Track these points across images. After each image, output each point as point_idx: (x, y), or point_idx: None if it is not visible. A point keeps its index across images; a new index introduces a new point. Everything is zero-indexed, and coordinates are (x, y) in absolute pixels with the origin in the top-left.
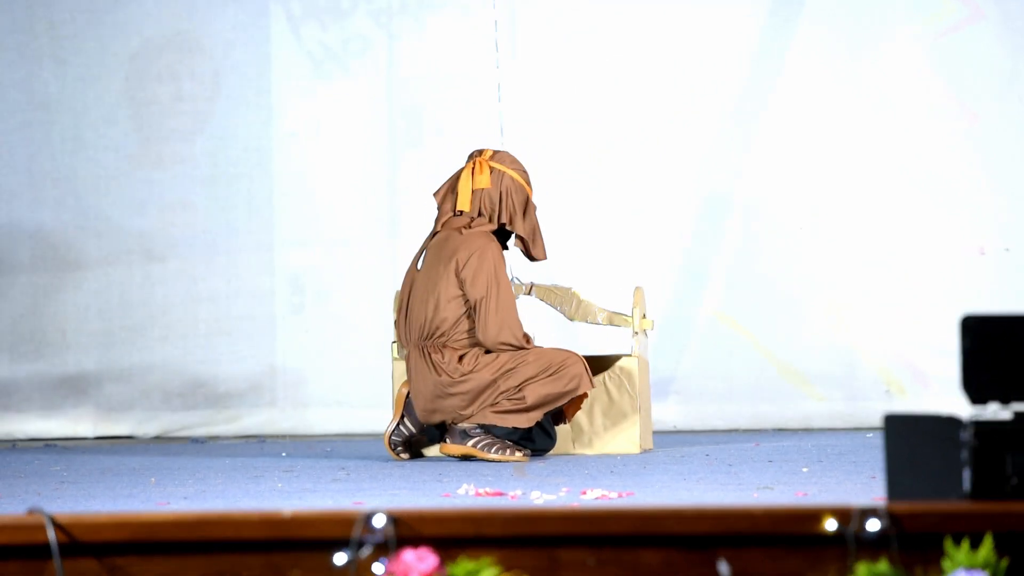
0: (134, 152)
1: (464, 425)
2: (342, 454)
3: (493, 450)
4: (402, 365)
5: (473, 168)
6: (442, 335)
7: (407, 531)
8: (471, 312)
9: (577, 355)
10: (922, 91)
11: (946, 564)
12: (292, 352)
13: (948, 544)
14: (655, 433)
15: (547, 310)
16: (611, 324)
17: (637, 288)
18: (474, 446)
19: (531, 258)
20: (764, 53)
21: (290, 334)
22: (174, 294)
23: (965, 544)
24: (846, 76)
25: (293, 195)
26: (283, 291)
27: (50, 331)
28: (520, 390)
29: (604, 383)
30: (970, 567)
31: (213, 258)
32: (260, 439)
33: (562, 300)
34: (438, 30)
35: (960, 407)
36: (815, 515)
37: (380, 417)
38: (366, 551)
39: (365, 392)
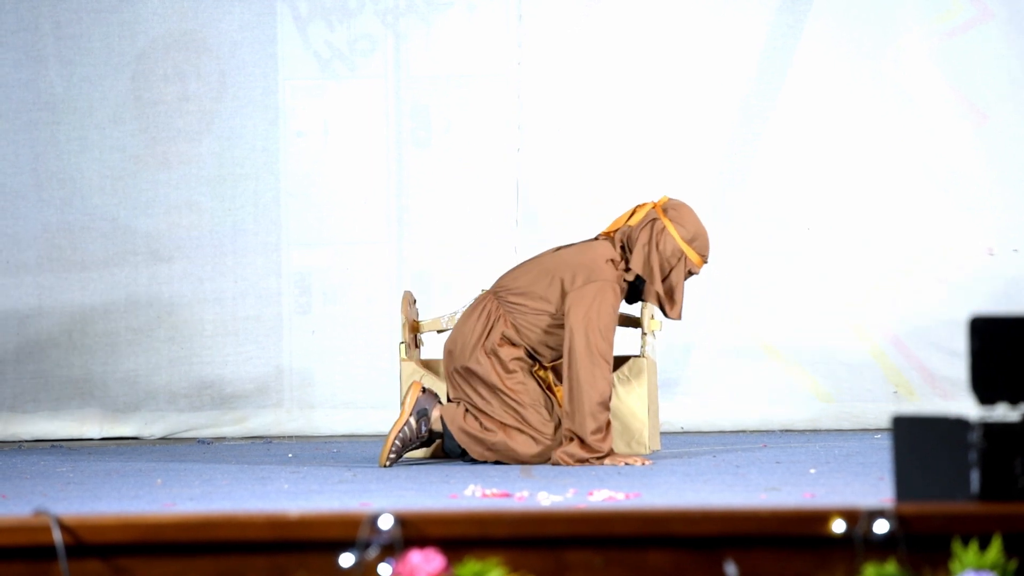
0: (140, 152)
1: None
2: (349, 455)
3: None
4: (410, 366)
5: (642, 208)
6: (513, 307)
7: (414, 532)
8: (549, 330)
9: (547, 442)
10: (931, 91)
11: (954, 566)
12: (299, 353)
13: (956, 545)
14: (662, 434)
15: None
16: (620, 325)
17: None
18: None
19: (665, 314)
20: (772, 53)
21: (297, 335)
22: (180, 295)
23: (973, 545)
24: (854, 76)
25: (300, 195)
26: (290, 292)
27: (56, 332)
28: (493, 426)
29: (613, 384)
30: (978, 568)
31: (220, 259)
32: (266, 440)
33: None
34: (445, 29)
35: (968, 408)
36: (823, 516)
37: (387, 418)
38: (373, 552)
39: (372, 393)
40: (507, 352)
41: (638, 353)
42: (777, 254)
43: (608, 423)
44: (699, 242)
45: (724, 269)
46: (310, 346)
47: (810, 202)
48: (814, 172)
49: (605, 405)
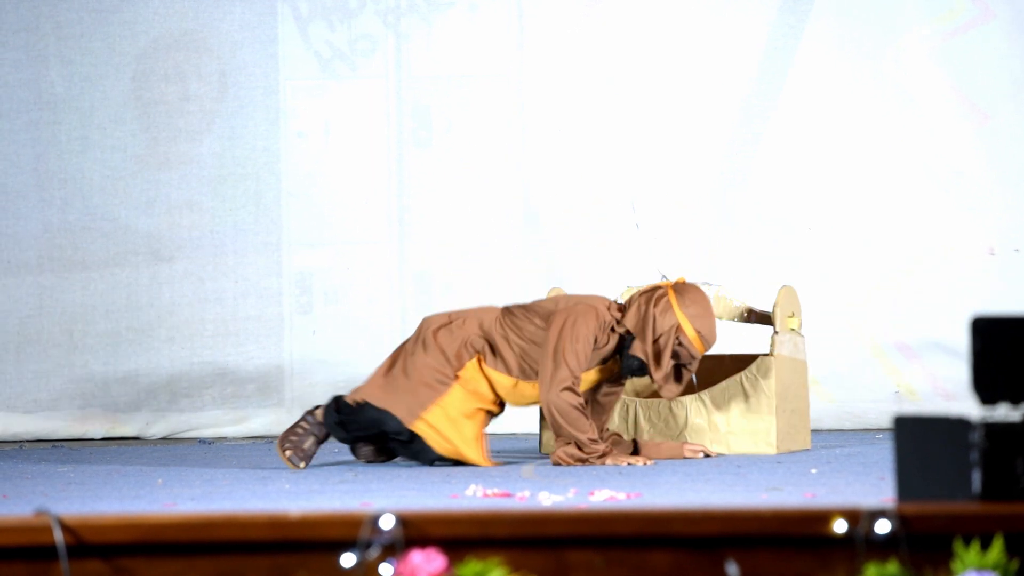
0: (141, 152)
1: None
2: (349, 455)
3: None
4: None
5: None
6: (515, 316)
7: (415, 532)
8: (532, 339)
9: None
10: (932, 91)
11: (956, 566)
12: (300, 353)
13: (958, 546)
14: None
15: None
16: (750, 322)
17: (783, 288)
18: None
19: (651, 378)
20: (773, 53)
21: (298, 335)
22: (181, 295)
23: (975, 546)
24: (856, 77)
25: (301, 195)
26: (291, 291)
27: (57, 332)
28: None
29: (741, 383)
30: (980, 569)
31: (220, 258)
32: (268, 440)
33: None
34: (446, 29)
35: (970, 408)
36: (824, 516)
37: None
38: (374, 552)
39: None
40: (458, 351)
41: (767, 352)
42: (778, 254)
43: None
44: (700, 322)
45: (725, 269)
46: (311, 346)
47: (811, 202)
48: (815, 172)
49: (571, 414)
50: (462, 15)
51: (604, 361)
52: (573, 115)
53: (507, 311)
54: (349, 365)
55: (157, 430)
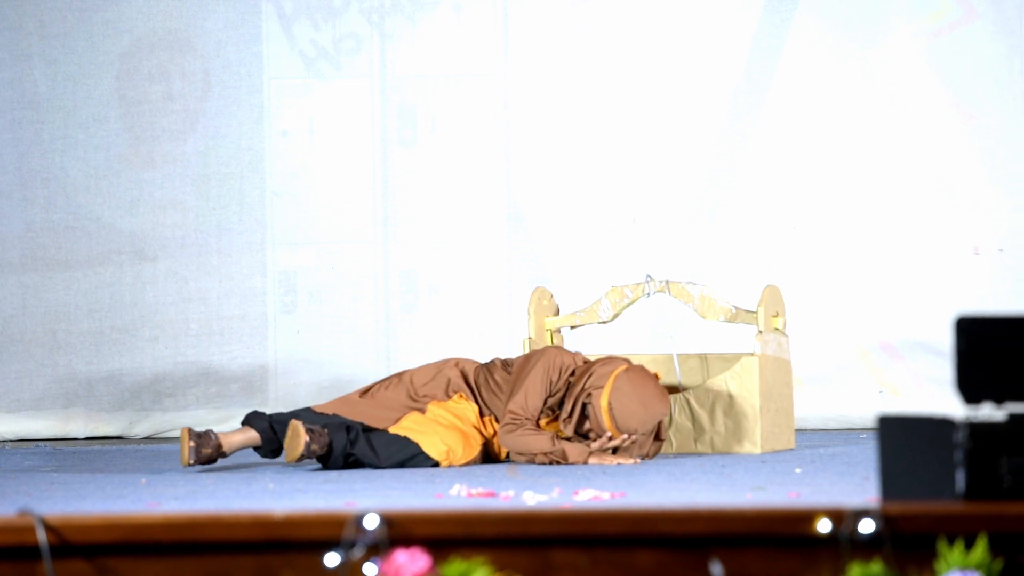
0: (124, 151)
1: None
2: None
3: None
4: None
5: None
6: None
7: (399, 532)
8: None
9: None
10: (917, 91)
11: (940, 565)
12: (284, 352)
13: (942, 545)
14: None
15: (680, 307)
16: (734, 322)
17: (767, 287)
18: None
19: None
20: (759, 52)
21: (282, 334)
22: (165, 294)
23: (959, 545)
24: (841, 76)
25: (285, 195)
26: (275, 291)
27: (40, 331)
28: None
29: (726, 383)
30: (964, 568)
31: (204, 258)
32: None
33: (692, 298)
34: (431, 29)
35: (954, 408)
36: (808, 516)
37: None
38: (358, 552)
39: None
40: (427, 388)
41: (751, 351)
42: (763, 253)
43: (552, 436)
44: (622, 400)
45: (710, 268)
46: (295, 345)
47: (796, 201)
48: (800, 171)
49: (519, 444)
50: (447, 15)
51: (554, 411)
52: (558, 114)
53: (481, 365)
54: (333, 365)
55: (141, 430)
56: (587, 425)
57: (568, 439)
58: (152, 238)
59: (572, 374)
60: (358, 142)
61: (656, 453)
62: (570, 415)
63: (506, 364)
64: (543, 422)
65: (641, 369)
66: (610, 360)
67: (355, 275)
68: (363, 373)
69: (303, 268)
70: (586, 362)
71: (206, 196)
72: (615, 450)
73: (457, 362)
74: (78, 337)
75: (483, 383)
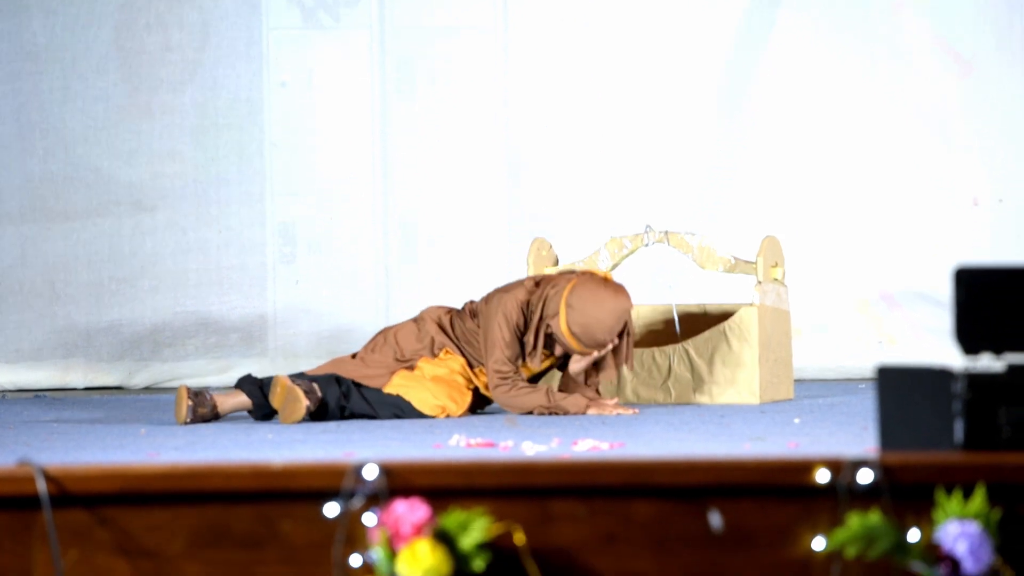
0: (123, 102)
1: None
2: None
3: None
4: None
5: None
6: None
7: (398, 482)
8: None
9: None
10: (917, 42)
11: (938, 515)
12: (283, 302)
13: (940, 495)
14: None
15: (679, 258)
16: (733, 272)
17: (766, 238)
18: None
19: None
20: (757, 5)
21: (281, 284)
22: (164, 245)
23: (957, 495)
24: (841, 27)
25: (284, 145)
26: (274, 241)
27: (39, 282)
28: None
29: (724, 333)
30: (962, 518)
31: (203, 208)
32: None
33: (691, 248)
34: None
35: (953, 358)
36: (807, 466)
37: None
38: (357, 502)
39: (357, 342)
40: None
41: (750, 302)
42: (762, 205)
43: (547, 389)
44: (578, 318)
45: (709, 219)
46: (294, 295)
47: (794, 153)
48: (799, 122)
49: (513, 401)
50: None
51: (549, 348)
52: (557, 67)
53: (454, 312)
54: (332, 315)
55: (140, 380)
56: (559, 350)
57: (546, 372)
58: (151, 189)
59: (528, 305)
60: (357, 93)
61: (629, 349)
62: (534, 348)
63: (473, 313)
64: (541, 360)
65: (588, 278)
66: (558, 278)
67: (354, 226)
68: (362, 323)
69: (302, 218)
70: (536, 284)
71: (205, 147)
72: (597, 364)
73: (436, 318)
74: (77, 288)
75: (460, 334)
